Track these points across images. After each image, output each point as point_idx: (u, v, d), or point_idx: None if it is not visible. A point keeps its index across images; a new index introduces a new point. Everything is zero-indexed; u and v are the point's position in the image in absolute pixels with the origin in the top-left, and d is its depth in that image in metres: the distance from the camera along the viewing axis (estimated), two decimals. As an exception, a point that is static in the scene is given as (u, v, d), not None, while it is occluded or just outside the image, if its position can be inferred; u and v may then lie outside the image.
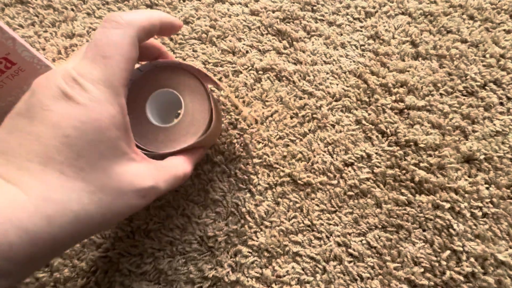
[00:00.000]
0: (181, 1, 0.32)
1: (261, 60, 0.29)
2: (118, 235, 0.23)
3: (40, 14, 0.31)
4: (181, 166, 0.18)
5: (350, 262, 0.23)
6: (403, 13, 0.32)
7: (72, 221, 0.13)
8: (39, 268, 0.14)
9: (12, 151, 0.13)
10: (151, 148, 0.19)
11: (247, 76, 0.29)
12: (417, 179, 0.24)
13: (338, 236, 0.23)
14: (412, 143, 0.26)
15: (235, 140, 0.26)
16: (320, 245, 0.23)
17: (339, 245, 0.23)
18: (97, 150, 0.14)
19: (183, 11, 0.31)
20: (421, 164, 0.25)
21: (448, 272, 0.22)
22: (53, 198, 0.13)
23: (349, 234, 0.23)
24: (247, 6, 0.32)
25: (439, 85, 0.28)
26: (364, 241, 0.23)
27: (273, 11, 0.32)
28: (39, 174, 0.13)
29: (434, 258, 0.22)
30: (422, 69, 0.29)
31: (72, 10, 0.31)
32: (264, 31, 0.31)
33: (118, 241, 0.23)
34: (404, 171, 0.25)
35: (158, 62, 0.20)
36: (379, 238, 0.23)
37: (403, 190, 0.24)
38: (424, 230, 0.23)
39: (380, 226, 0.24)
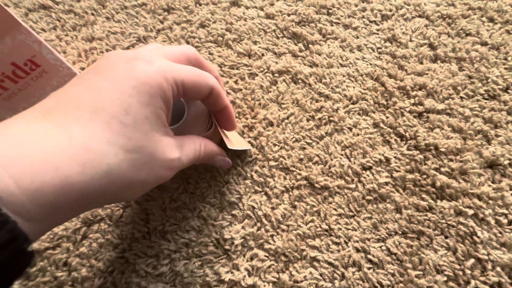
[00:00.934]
0: (197, 5, 0.33)
1: (276, 62, 0.29)
2: (134, 236, 0.23)
3: (61, 19, 0.32)
4: (198, 141, 0.20)
5: (369, 268, 0.22)
6: (420, 16, 0.32)
7: (103, 174, 0.14)
8: (63, 221, 0.14)
9: (69, 100, 0.14)
10: None
11: (263, 79, 0.29)
12: (438, 184, 0.24)
13: (357, 241, 0.23)
14: (432, 147, 0.25)
15: (250, 143, 0.26)
16: (338, 251, 0.22)
17: (358, 250, 0.22)
18: (144, 112, 0.15)
19: (199, 14, 0.32)
20: (442, 169, 0.24)
21: (473, 282, 0.21)
22: (92, 147, 0.13)
23: (368, 239, 0.23)
24: (262, 10, 0.32)
25: (459, 88, 0.28)
26: (383, 247, 0.22)
27: (289, 14, 0.32)
28: (86, 122, 0.14)
29: (458, 267, 0.22)
30: (441, 72, 0.29)
31: (92, 14, 0.32)
32: (279, 34, 0.31)
33: (135, 241, 0.23)
34: (424, 176, 0.24)
35: None
36: (399, 244, 0.22)
37: (423, 196, 0.24)
38: (446, 237, 0.23)
39: (400, 232, 0.23)
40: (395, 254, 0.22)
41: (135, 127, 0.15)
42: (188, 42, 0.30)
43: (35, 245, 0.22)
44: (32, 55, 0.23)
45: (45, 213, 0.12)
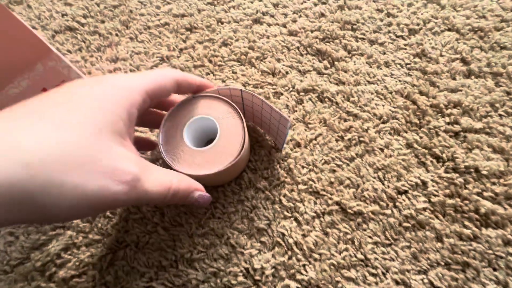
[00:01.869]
0: (219, 23, 0.33)
1: (301, 81, 0.29)
2: (161, 264, 0.22)
3: (87, 40, 0.32)
4: (172, 175, 0.18)
5: (411, 303, 0.20)
6: (449, 29, 0.31)
7: (19, 165, 0.11)
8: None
9: (16, 108, 0.14)
10: (187, 171, 0.20)
11: (288, 98, 0.28)
12: (482, 210, 0.22)
13: (396, 273, 0.21)
14: (472, 170, 0.24)
15: (278, 165, 0.25)
16: (376, 283, 0.21)
17: (397, 283, 0.21)
18: (94, 115, 0.14)
19: (221, 33, 0.32)
20: (485, 194, 0.23)
21: (528, 321, 0.19)
22: (7, 138, 0.12)
23: (408, 271, 0.21)
24: (285, 27, 0.32)
25: (497, 105, 0.26)
26: (425, 280, 0.21)
27: (312, 31, 0.31)
28: (17, 119, 0.13)
29: (510, 303, 0.20)
30: (476, 88, 0.27)
31: (116, 35, 0.32)
32: (303, 51, 0.30)
33: (161, 270, 0.22)
34: (466, 201, 0.23)
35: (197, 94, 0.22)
36: (443, 277, 0.21)
37: (466, 223, 0.22)
38: (495, 270, 0.21)
39: (443, 263, 0.21)
40: None
41: (78, 126, 0.13)
42: (211, 61, 0.30)
43: (62, 273, 0.22)
44: (61, 80, 0.23)
45: None
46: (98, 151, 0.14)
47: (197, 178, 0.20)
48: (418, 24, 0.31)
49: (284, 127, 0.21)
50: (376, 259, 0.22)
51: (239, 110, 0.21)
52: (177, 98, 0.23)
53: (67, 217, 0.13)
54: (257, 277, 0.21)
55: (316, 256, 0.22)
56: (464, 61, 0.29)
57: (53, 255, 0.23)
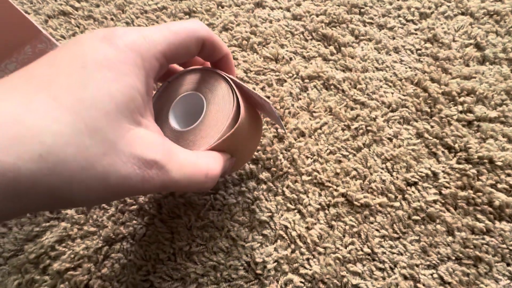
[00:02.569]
0: (220, 7, 0.31)
1: (306, 67, 0.27)
2: (159, 257, 0.21)
3: (81, 25, 0.31)
4: (205, 159, 0.15)
5: (420, 299, 0.19)
6: (463, 13, 0.29)
7: (37, 155, 0.10)
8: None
9: (21, 75, 0.12)
10: None
11: (292, 85, 0.27)
12: (496, 203, 0.21)
13: (404, 267, 0.20)
14: (486, 161, 0.22)
15: (281, 155, 0.24)
16: (384, 278, 0.20)
17: (405, 278, 0.20)
18: (109, 88, 0.12)
19: (222, 17, 0.30)
20: (499, 186, 0.22)
21: (544, 318, 0.18)
22: (25, 121, 0.10)
23: (417, 265, 0.20)
24: (289, 11, 0.30)
25: (513, 93, 0.25)
26: (435, 275, 0.20)
27: (317, 15, 0.30)
28: (29, 95, 0.11)
29: (524, 300, 0.19)
30: (490, 75, 0.26)
31: (112, 20, 0.31)
32: (308, 36, 0.29)
33: (159, 263, 0.21)
34: (479, 193, 0.22)
35: (185, 69, 0.19)
36: (454, 272, 0.20)
37: (479, 216, 0.21)
38: (508, 265, 0.20)
39: (453, 258, 0.20)
40: (450, 283, 0.20)
41: (93, 104, 0.11)
42: (210, 47, 0.29)
43: (56, 266, 0.21)
44: (52, 65, 0.21)
45: None
46: (117, 136, 0.12)
47: None
48: (429, 8, 0.29)
49: (273, 110, 0.18)
50: (383, 253, 0.21)
51: (230, 80, 0.18)
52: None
53: (92, 204, 0.13)
54: (259, 271, 0.20)
55: (321, 249, 0.21)
56: (478, 47, 0.27)
57: (47, 247, 0.22)
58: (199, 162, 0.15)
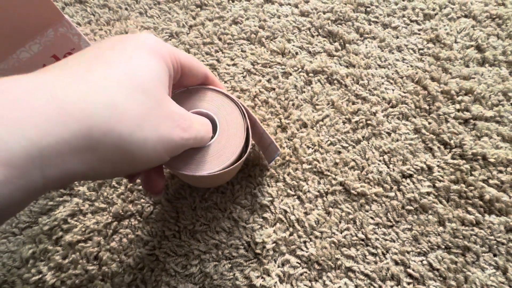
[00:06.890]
0: (230, 1, 0.32)
1: (311, 62, 0.28)
2: (165, 233, 0.23)
3: (96, 13, 0.32)
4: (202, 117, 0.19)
5: (409, 283, 0.21)
6: (466, 16, 0.30)
7: (106, 105, 0.12)
8: (73, 177, 0.12)
9: (72, 58, 0.14)
10: (184, 171, 0.18)
11: (297, 78, 0.28)
12: (487, 197, 0.22)
13: (396, 253, 0.21)
14: (480, 157, 0.23)
15: (284, 144, 0.25)
16: (376, 262, 0.21)
17: (396, 263, 0.21)
18: (151, 65, 0.14)
19: (232, 11, 0.31)
20: (491, 181, 0.23)
21: (525, 306, 0.19)
22: (89, 78, 0.12)
23: (408, 252, 0.21)
24: (297, 7, 0.31)
25: (510, 94, 0.26)
26: (425, 262, 0.21)
27: (324, 12, 0.31)
28: (83, 71, 0.12)
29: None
30: (489, 76, 0.27)
31: (126, 9, 0.32)
32: (314, 32, 0.30)
33: (165, 239, 0.23)
34: (471, 188, 0.23)
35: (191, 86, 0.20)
36: (443, 259, 0.21)
37: (470, 209, 0.22)
38: (495, 255, 0.21)
39: (443, 247, 0.21)
40: (438, 270, 0.21)
41: (141, 70, 0.13)
42: (220, 39, 0.30)
43: (68, 237, 0.23)
44: (71, 48, 0.23)
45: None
46: (161, 96, 0.14)
47: (193, 179, 0.18)
48: (434, 9, 0.30)
49: (274, 152, 0.20)
50: (376, 239, 0.22)
51: (237, 102, 0.19)
52: None
53: (151, 162, 0.14)
54: (258, 251, 0.22)
55: (317, 233, 0.22)
56: (479, 49, 0.28)
57: (60, 220, 0.23)
58: (205, 122, 0.18)
